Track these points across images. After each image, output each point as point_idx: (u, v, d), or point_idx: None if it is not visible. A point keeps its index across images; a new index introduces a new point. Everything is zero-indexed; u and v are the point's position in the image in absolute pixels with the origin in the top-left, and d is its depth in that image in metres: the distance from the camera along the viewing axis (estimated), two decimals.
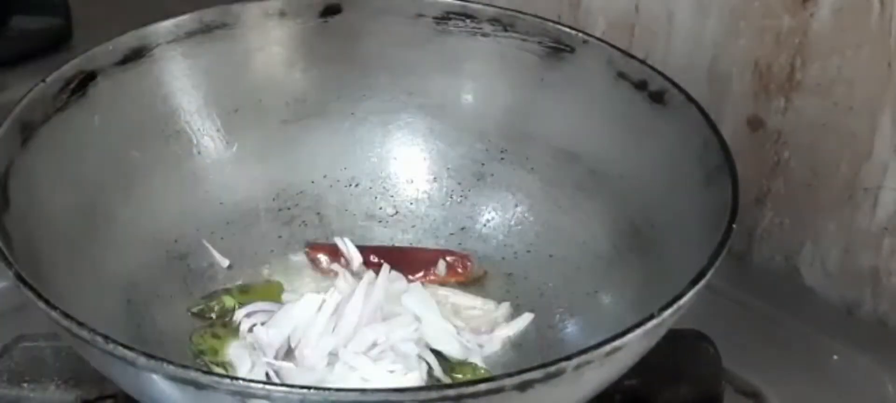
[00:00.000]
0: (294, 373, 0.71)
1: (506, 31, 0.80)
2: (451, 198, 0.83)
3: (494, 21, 0.80)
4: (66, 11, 1.07)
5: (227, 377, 0.57)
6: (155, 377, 0.58)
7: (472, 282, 0.79)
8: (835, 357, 0.80)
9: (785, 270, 0.88)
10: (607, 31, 0.89)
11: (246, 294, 0.77)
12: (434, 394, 0.57)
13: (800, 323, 0.83)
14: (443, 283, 0.79)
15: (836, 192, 0.83)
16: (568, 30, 0.79)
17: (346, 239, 0.80)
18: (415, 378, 0.69)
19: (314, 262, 0.80)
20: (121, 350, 0.58)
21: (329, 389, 0.57)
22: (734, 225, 0.65)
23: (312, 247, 0.80)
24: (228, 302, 0.76)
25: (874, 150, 0.81)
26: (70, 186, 0.73)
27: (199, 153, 0.80)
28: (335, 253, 0.80)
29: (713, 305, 0.77)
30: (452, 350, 0.73)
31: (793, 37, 0.81)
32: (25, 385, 0.71)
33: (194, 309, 0.76)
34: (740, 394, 0.77)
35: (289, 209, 0.82)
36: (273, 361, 0.70)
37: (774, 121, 0.84)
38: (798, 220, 0.86)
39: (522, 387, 0.57)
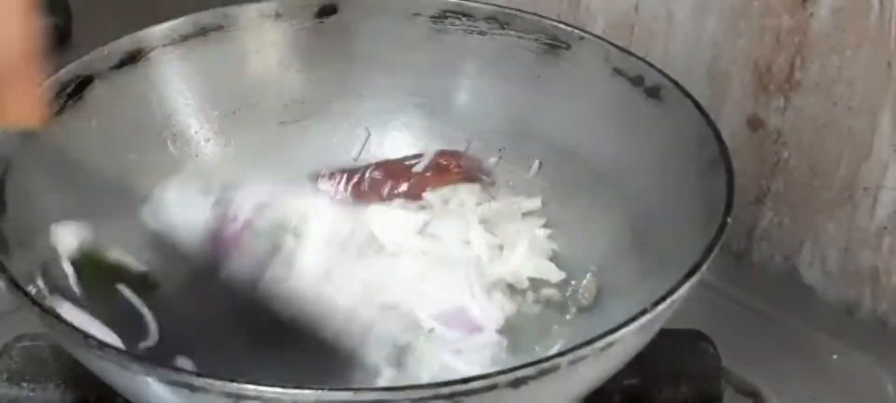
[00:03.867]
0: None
1: (502, 29, 0.80)
2: None
3: (491, 19, 0.80)
4: (66, 11, 1.07)
5: (221, 379, 0.57)
6: (149, 380, 0.58)
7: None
8: (835, 356, 0.80)
9: (784, 270, 0.87)
10: (607, 31, 0.89)
11: None
12: (427, 392, 0.57)
13: (800, 322, 0.82)
14: (447, 183, 0.79)
15: (835, 192, 0.83)
16: (564, 26, 0.79)
17: None
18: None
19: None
20: (114, 355, 0.59)
21: (322, 389, 0.57)
22: (729, 219, 0.65)
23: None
24: None
25: (874, 150, 0.80)
26: (67, 190, 0.73)
27: (197, 155, 0.80)
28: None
29: (713, 305, 0.77)
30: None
31: (792, 36, 0.81)
32: (25, 384, 0.71)
33: None
34: (740, 394, 0.77)
35: None
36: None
37: (774, 121, 0.84)
38: (797, 220, 0.86)
39: (516, 384, 0.57)
